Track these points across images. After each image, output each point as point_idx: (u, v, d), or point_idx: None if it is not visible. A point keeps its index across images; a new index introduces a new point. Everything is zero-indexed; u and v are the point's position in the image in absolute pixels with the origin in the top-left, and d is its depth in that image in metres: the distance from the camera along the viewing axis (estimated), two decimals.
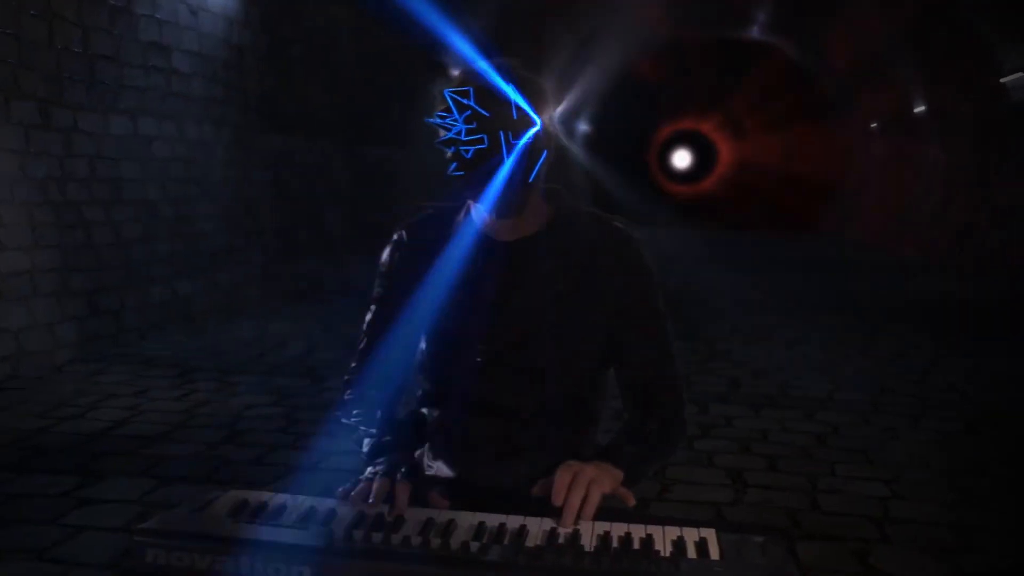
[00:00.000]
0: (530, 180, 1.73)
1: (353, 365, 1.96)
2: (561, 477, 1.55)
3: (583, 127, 25.64)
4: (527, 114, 1.70)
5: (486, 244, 1.82)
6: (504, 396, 1.80)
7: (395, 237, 1.93)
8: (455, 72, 1.72)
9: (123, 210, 7.15)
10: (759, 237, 21.83)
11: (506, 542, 1.34)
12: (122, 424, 4.94)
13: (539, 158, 1.73)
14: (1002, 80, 13.00)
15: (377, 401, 1.89)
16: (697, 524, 1.40)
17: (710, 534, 1.38)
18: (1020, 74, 12.40)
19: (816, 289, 11.87)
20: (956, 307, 10.54)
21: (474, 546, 1.30)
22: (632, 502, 1.59)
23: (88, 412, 5.13)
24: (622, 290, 1.82)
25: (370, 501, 1.54)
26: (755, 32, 23.27)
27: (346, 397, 1.94)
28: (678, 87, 28.59)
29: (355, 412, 1.90)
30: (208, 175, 8.32)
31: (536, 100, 1.72)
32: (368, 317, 1.95)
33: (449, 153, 1.72)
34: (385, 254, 1.93)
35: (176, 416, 5.11)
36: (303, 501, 1.49)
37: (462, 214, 1.87)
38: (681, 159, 37.70)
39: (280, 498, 1.49)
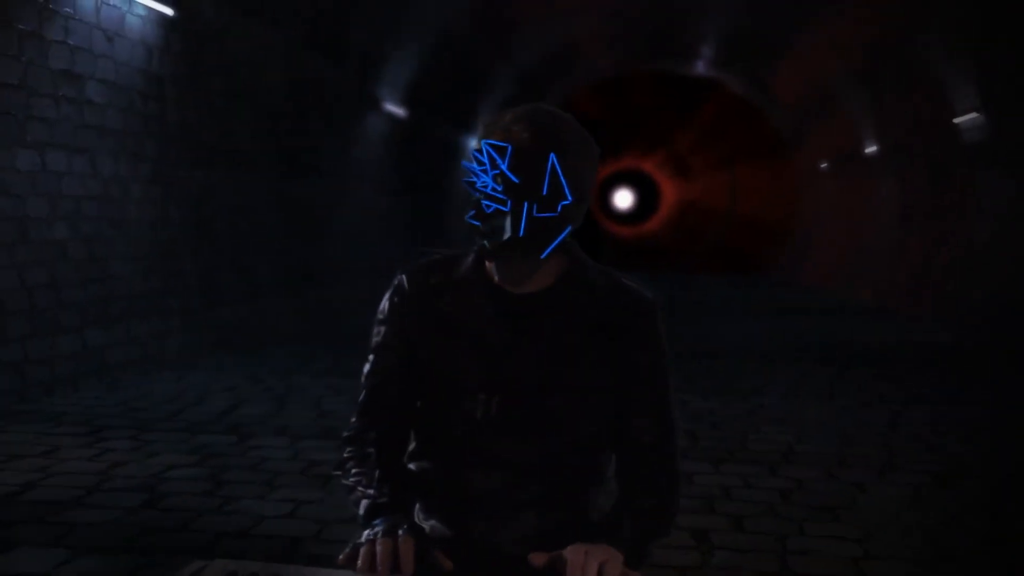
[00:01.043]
0: (541, 256, 1.76)
1: (353, 420, 1.94)
2: (574, 558, 1.54)
3: None
4: (561, 189, 1.70)
5: (495, 295, 1.83)
6: (505, 451, 1.80)
7: (396, 282, 1.93)
8: (505, 113, 1.76)
9: (28, 252, 6.94)
10: (707, 280, 22.11)
11: None
12: (29, 488, 4.75)
13: (559, 234, 1.76)
14: (955, 120, 13.44)
15: (377, 458, 1.86)
16: None
17: None
18: (973, 115, 12.83)
19: (770, 335, 12.01)
20: (916, 352, 10.75)
21: None
22: None
23: None
24: (631, 355, 1.84)
25: (378, 567, 1.51)
26: (701, 68, 23.77)
27: (345, 455, 1.90)
28: (620, 124, 29.04)
29: (354, 471, 1.85)
30: (123, 214, 8.14)
31: (577, 173, 1.73)
32: (367, 368, 1.93)
33: (472, 197, 1.74)
34: (385, 300, 1.93)
35: (89, 478, 4.93)
36: (296, 570, 1.43)
37: (469, 260, 1.88)
38: (623, 199, 38.20)
39: (271, 568, 1.43)
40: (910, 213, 16.03)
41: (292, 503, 4.66)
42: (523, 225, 1.69)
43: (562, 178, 1.69)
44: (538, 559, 1.59)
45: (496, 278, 1.83)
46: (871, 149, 17.56)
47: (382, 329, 1.91)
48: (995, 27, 11.35)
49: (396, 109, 14.51)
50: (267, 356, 9.00)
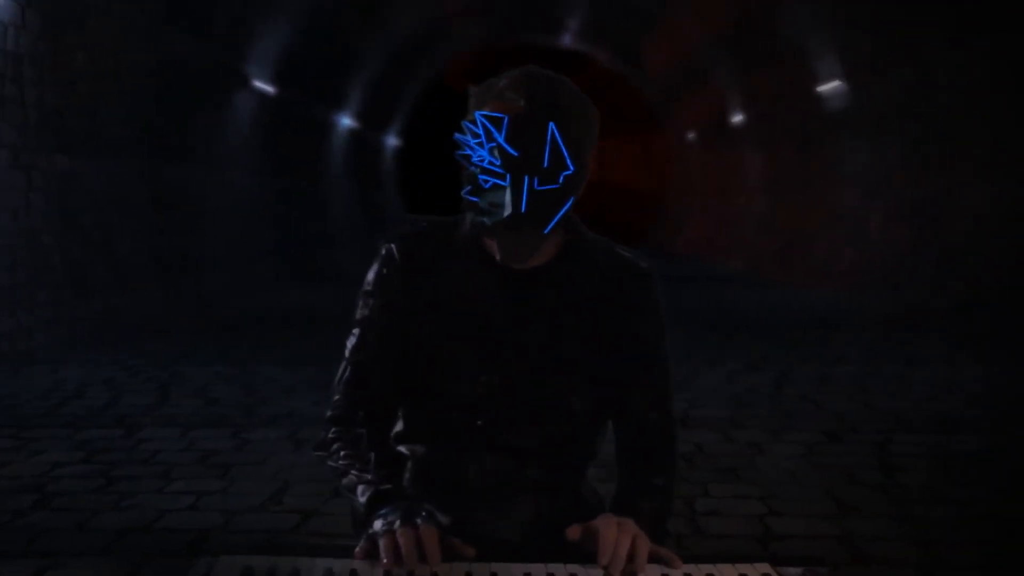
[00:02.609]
0: (545, 232, 1.67)
1: (336, 398, 1.82)
2: (606, 531, 1.49)
3: (392, 141, 25.59)
4: (563, 159, 1.62)
5: (492, 270, 1.74)
6: (505, 433, 1.74)
7: (384, 252, 1.80)
8: (497, 80, 1.67)
9: None
10: None
11: None
12: None
13: (562, 207, 1.67)
14: (819, 89, 13.93)
15: (368, 440, 1.76)
16: (734, 560, 1.39)
17: (771, 570, 1.36)
18: (837, 82, 13.32)
19: None
20: (793, 317, 11.15)
21: None
22: (679, 564, 1.51)
23: None
24: (632, 330, 1.79)
25: (402, 557, 1.43)
26: (569, 40, 24.00)
27: (330, 436, 1.79)
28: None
29: (343, 453, 1.74)
30: None
31: (578, 141, 1.65)
32: (352, 342, 1.82)
33: (466, 172, 1.65)
34: (372, 271, 1.81)
35: None
36: (315, 564, 1.38)
37: (465, 231, 1.78)
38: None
39: (286, 562, 1.37)
40: (778, 182, 16.55)
41: (193, 495, 4.52)
42: (524, 200, 1.60)
43: (563, 147, 1.61)
44: (574, 533, 1.53)
45: (494, 253, 1.73)
46: (738, 119, 18.04)
47: (370, 302, 1.80)
48: None
49: (266, 87, 14.17)
50: (145, 347, 8.70)
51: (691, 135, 22.01)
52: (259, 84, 13.87)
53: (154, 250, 10.68)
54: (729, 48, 17.07)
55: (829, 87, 13.59)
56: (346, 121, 19.05)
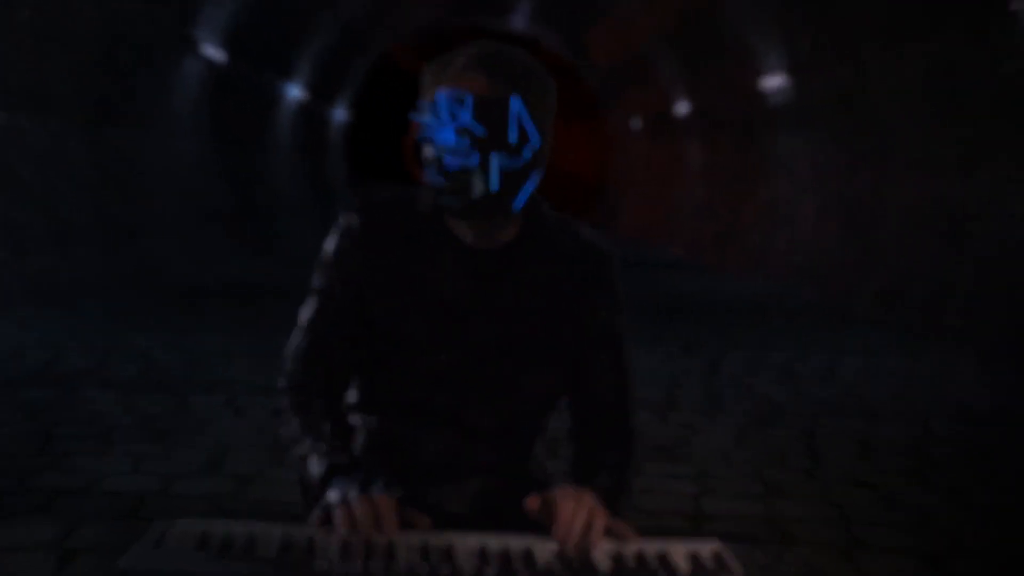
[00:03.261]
0: (514, 208, 1.64)
1: (290, 368, 1.77)
2: (564, 502, 1.47)
3: (341, 114, 25.30)
4: (528, 133, 1.59)
5: (454, 248, 1.70)
6: (461, 410, 1.72)
7: (343, 224, 1.74)
8: (455, 56, 1.61)
9: None
10: None
11: (517, 567, 1.28)
12: None
13: (529, 181, 1.65)
14: (761, 82, 14.07)
15: (325, 412, 1.72)
16: (684, 537, 1.39)
17: (721, 548, 1.37)
18: (779, 77, 13.46)
19: None
20: (727, 303, 11.28)
21: (488, 573, 1.23)
22: (633, 538, 1.50)
23: None
24: (591, 310, 1.78)
25: (357, 526, 1.39)
26: (518, 23, 23.92)
27: (285, 404, 1.74)
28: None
29: (297, 422, 1.70)
30: None
31: (541, 114, 1.63)
32: (308, 314, 1.76)
33: (429, 154, 1.59)
34: (331, 241, 1.75)
35: None
36: (271, 530, 1.34)
37: (427, 207, 1.73)
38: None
39: (240, 526, 1.33)
40: (717, 173, 16.72)
41: (132, 458, 4.45)
42: (493, 177, 1.56)
43: (528, 122, 1.58)
44: (533, 503, 1.52)
45: (456, 230, 1.70)
46: (682, 111, 18.16)
47: (329, 273, 1.74)
48: None
49: (216, 54, 13.90)
50: (84, 308, 8.51)
51: (635, 124, 22.11)
52: (208, 50, 13.59)
53: (96, 212, 10.44)
54: (674, 41, 17.15)
55: (770, 82, 13.73)
56: (295, 92, 18.76)
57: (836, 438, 5.51)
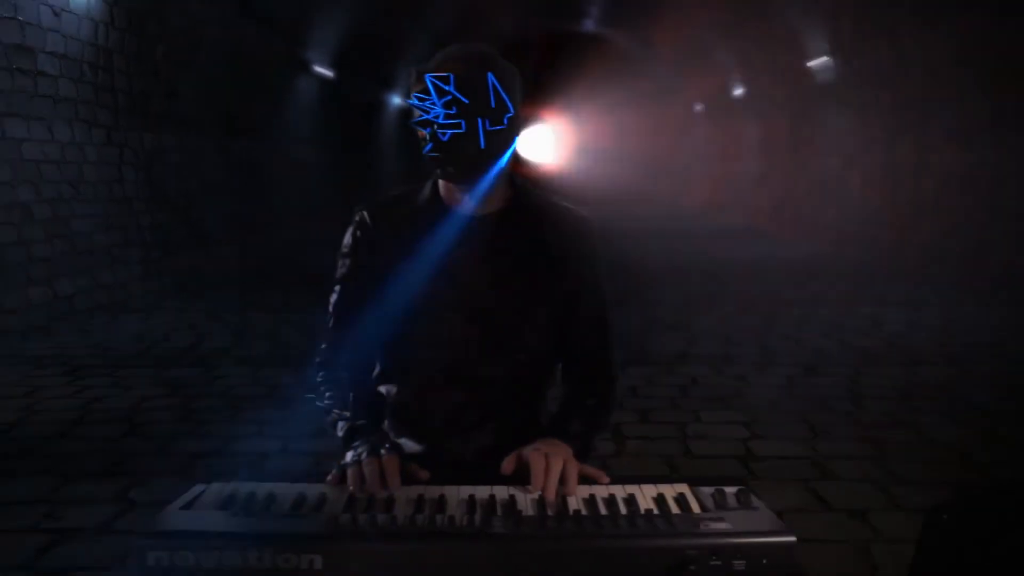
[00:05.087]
0: (502, 164, 1.71)
1: (323, 346, 1.84)
2: (536, 462, 1.48)
3: None
4: (504, 102, 1.66)
5: (453, 219, 1.75)
6: (469, 367, 1.75)
7: (357, 218, 1.82)
8: (436, 56, 1.70)
9: None
10: (601, 207, 22.23)
11: (501, 514, 1.30)
12: (17, 425, 4.59)
13: (510, 145, 1.71)
14: (808, 64, 13.64)
15: (349, 382, 1.79)
16: (657, 481, 1.39)
17: (685, 489, 1.37)
18: (825, 58, 13.03)
19: (661, 256, 12.14)
20: (781, 266, 11.03)
21: (476, 519, 1.25)
22: (606, 480, 1.51)
23: None
24: (576, 269, 1.80)
25: (366, 483, 1.44)
26: (589, 25, 23.62)
27: (318, 379, 1.82)
28: (522, 78, 28.76)
29: (328, 394, 1.78)
30: (82, 176, 7.81)
31: (512, 88, 1.69)
32: (334, 298, 1.84)
33: (425, 134, 1.66)
34: (348, 234, 1.83)
35: (72, 413, 4.78)
36: (289, 488, 1.39)
37: (427, 190, 1.81)
38: (525, 143, 38.07)
39: (264, 487, 1.38)
40: (771, 148, 16.31)
41: (257, 424, 4.59)
42: (482, 138, 1.64)
43: (503, 93, 1.65)
44: (508, 466, 1.54)
45: (455, 206, 1.77)
46: (738, 93, 17.75)
47: (347, 261, 1.82)
48: None
49: (324, 71, 14.12)
50: (222, 296, 8.78)
51: (697, 108, 21.67)
52: (318, 69, 13.82)
53: (227, 214, 10.75)
54: (728, 31, 16.74)
55: (817, 63, 13.30)
56: (396, 100, 18.93)
57: (878, 383, 5.37)
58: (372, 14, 15.00)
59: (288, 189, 12.98)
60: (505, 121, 1.67)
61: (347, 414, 1.72)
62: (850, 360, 5.96)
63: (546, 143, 36.85)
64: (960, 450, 4.18)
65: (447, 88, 1.61)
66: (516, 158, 1.76)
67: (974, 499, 1.13)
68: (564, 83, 30.79)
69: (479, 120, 1.63)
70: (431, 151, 1.65)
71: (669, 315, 7.59)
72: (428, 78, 1.62)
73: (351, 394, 1.76)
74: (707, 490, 1.34)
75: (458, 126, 1.62)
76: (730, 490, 1.34)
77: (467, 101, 1.62)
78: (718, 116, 19.85)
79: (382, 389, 1.85)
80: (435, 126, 1.63)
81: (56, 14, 7.35)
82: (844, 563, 3.03)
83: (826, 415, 4.73)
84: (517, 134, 1.72)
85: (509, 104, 1.67)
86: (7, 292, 6.62)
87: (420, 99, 1.64)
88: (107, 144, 8.22)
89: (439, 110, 1.63)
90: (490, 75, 1.64)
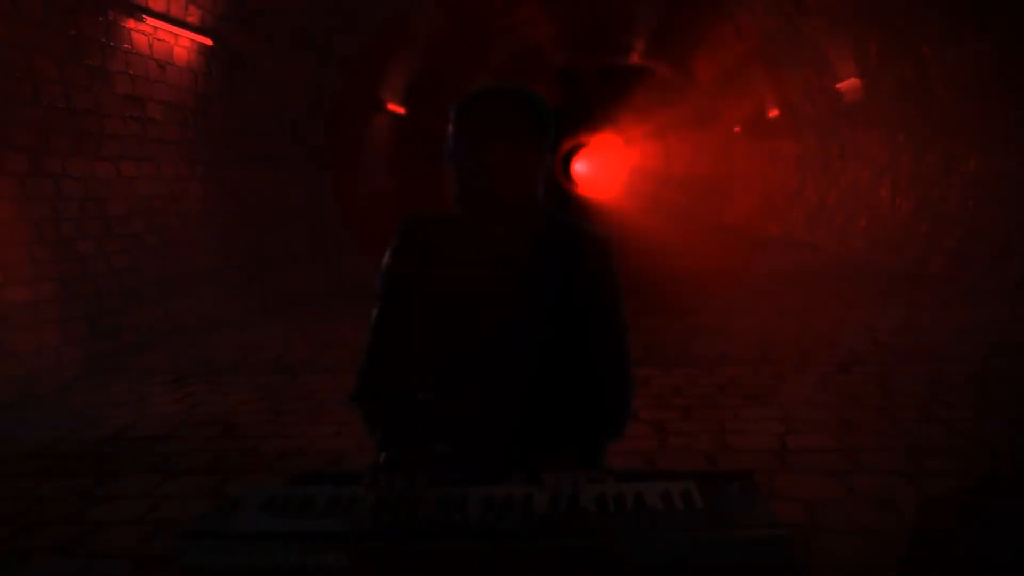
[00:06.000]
0: (533, 190, 1.70)
1: (364, 359, 1.82)
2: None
3: None
4: (537, 140, 1.64)
5: (484, 239, 1.73)
6: (498, 371, 1.72)
7: (395, 239, 1.80)
8: (472, 96, 1.68)
9: (113, 243, 6.84)
10: (647, 222, 22.01)
11: (516, 511, 1.27)
12: (128, 428, 4.72)
13: (538, 181, 1.70)
14: (837, 85, 13.32)
15: (387, 392, 1.77)
16: (672, 477, 1.35)
17: (691, 485, 1.32)
18: (851, 80, 12.71)
19: (702, 265, 11.96)
20: (815, 272, 10.77)
21: (492, 518, 1.23)
22: (611, 483, 1.48)
23: (97, 420, 4.89)
24: (591, 283, 1.77)
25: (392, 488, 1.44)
26: (635, 58, 23.48)
27: (359, 390, 1.80)
28: (574, 107, 28.73)
29: (367, 403, 1.77)
30: (186, 207, 8.02)
31: (542, 128, 1.66)
32: (376, 312, 1.82)
33: (459, 168, 1.65)
34: (386, 256, 1.81)
35: (176, 417, 4.90)
36: (326, 491, 1.38)
37: (457, 213, 1.78)
38: (579, 165, 37.98)
39: (305, 491, 1.38)
40: (805, 164, 15.97)
41: (337, 425, 4.63)
42: (509, 177, 1.64)
43: (533, 131, 1.64)
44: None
45: (485, 227, 1.73)
46: (773, 114, 17.43)
47: (387, 279, 1.79)
48: (864, 8, 11.20)
49: (398, 108, 14.29)
50: (308, 311, 8.92)
51: (736, 128, 21.33)
52: (391, 107, 13.98)
53: (312, 239, 10.92)
54: (762, 56, 16.45)
55: (845, 83, 12.98)
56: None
57: (908, 380, 5.18)
58: (438, 56, 15.14)
59: (368, 214, 13.13)
60: (535, 159, 1.65)
61: (383, 421, 1.72)
62: (882, 359, 5.76)
63: (598, 167, 36.68)
64: (985, 440, 4.00)
65: (482, 126, 1.59)
66: (569, 180, 1.75)
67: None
68: (613, 111, 30.66)
69: (508, 161, 1.61)
70: (462, 190, 1.66)
71: (711, 319, 7.45)
72: (465, 121, 1.62)
73: (389, 402, 1.75)
74: (712, 486, 1.30)
75: (488, 167, 1.60)
76: (733, 486, 1.29)
77: (498, 140, 1.60)
78: (755, 136, 19.53)
79: (419, 395, 1.83)
80: (468, 163, 1.62)
81: (161, 67, 7.57)
82: (874, 553, 2.91)
83: (858, 410, 4.57)
84: (544, 170, 1.70)
85: (540, 145, 1.64)
86: (124, 311, 6.82)
87: (454, 141, 1.63)
88: (208, 179, 8.43)
89: (473, 146, 1.61)
90: (522, 119, 1.62)
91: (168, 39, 7.60)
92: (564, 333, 1.74)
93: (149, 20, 7.16)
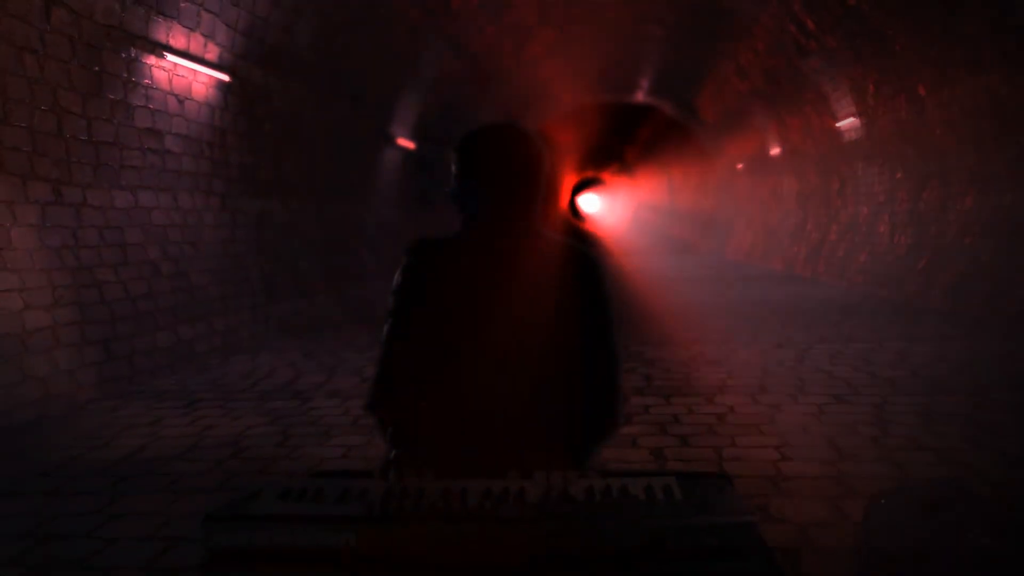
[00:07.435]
0: (525, 222, 1.81)
1: (377, 372, 1.90)
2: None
3: None
4: (530, 175, 1.76)
5: (486, 260, 1.82)
6: (501, 387, 1.79)
7: (405, 259, 1.89)
8: (469, 137, 1.81)
9: (130, 270, 6.97)
10: (652, 256, 22.13)
11: (511, 499, 1.36)
12: (141, 449, 4.79)
13: (534, 208, 1.81)
14: (837, 124, 13.48)
15: (396, 402, 1.85)
16: (655, 474, 1.44)
17: (671, 481, 1.41)
18: (851, 119, 12.87)
19: (705, 299, 12.05)
20: (816, 306, 10.81)
21: (489, 504, 1.32)
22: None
23: (111, 441, 4.97)
24: (582, 299, 1.84)
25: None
26: (640, 96, 23.77)
27: (372, 400, 1.88)
28: (582, 144, 29.03)
29: (379, 412, 1.85)
30: (201, 237, 8.16)
31: (540, 160, 1.77)
32: (386, 330, 1.90)
33: (463, 207, 1.78)
34: (397, 274, 1.90)
35: (188, 439, 4.97)
36: (338, 483, 1.47)
37: (460, 235, 1.88)
38: (587, 200, 38.20)
39: (319, 482, 1.47)
40: (806, 200, 16.08)
41: (344, 448, 4.70)
42: (509, 206, 1.76)
43: (530, 166, 1.75)
44: None
45: (485, 246, 1.83)
46: (775, 151, 17.59)
47: (397, 297, 1.87)
48: (862, 51, 11.39)
49: (407, 143, 14.49)
50: (318, 338, 9.00)
51: (739, 165, 21.53)
52: (401, 141, 14.19)
53: (324, 266, 11.05)
54: (764, 95, 16.67)
55: (845, 123, 13.14)
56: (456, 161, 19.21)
57: (903, 411, 5.22)
58: (447, 94, 15.38)
59: (375, 244, 13.28)
60: (529, 191, 1.77)
61: (394, 427, 1.81)
62: (878, 390, 5.81)
63: (604, 201, 36.89)
64: (977, 469, 4.03)
65: (481, 162, 1.72)
66: (576, 213, 1.87)
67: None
68: (620, 148, 30.95)
69: (506, 191, 1.74)
70: (467, 212, 1.79)
71: (711, 351, 7.51)
72: (470, 161, 1.74)
73: (398, 412, 1.83)
74: (689, 482, 1.39)
75: (490, 196, 1.73)
76: (709, 482, 1.38)
77: (495, 174, 1.73)
78: (757, 173, 19.69)
79: (423, 408, 1.89)
80: (469, 196, 1.76)
81: (180, 102, 7.76)
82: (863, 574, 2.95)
83: (852, 439, 4.62)
84: (539, 198, 1.81)
85: (534, 178, 1.77)
86: (138, 336, 6.93)
87: (457, 178, 1.76)
88: (222, 209, 8.58)
89: (473, 182, 1.74)
90: (518, 154, 1.74)
91: (187, 75, 7.80)
92: (562, 342, 1.81)
93: (169, 57, 7.36)
